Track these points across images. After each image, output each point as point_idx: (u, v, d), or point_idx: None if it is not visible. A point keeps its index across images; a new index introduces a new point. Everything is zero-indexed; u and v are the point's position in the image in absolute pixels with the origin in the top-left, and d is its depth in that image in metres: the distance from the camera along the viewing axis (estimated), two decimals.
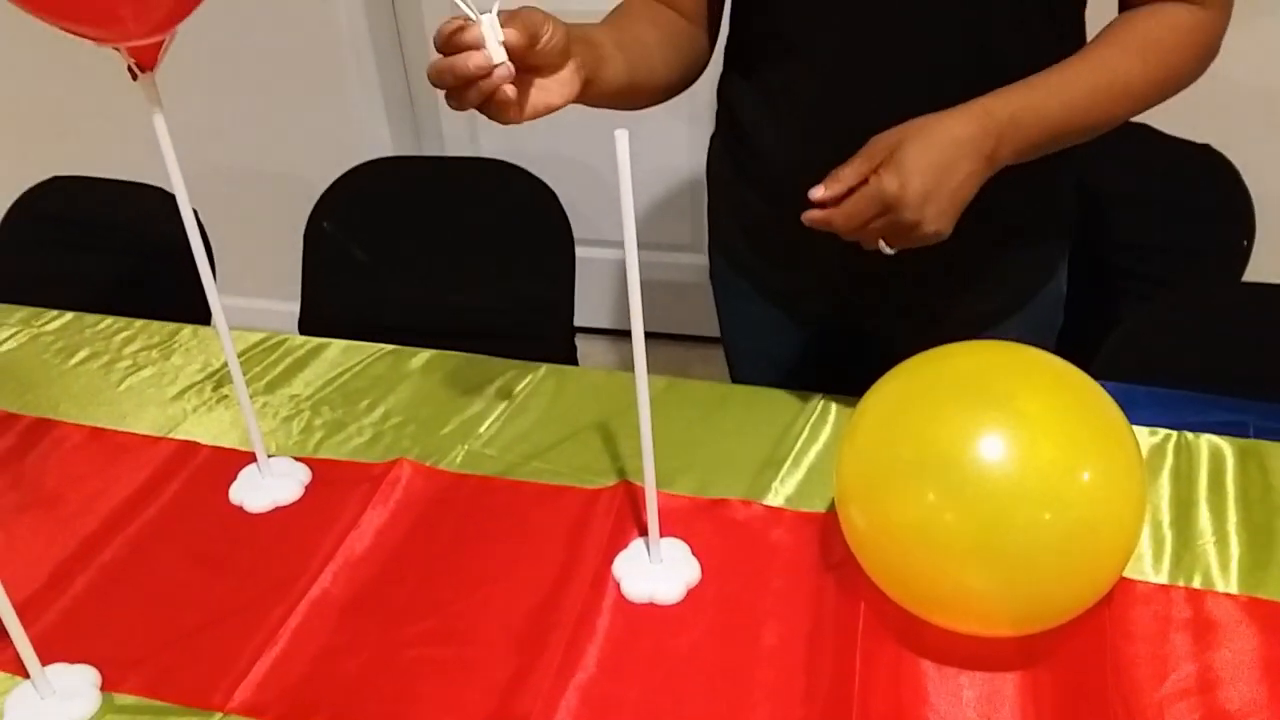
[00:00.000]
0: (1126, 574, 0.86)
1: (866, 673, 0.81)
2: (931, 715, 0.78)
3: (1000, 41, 0.93)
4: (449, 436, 1.09)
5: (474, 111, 0.83)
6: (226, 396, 1.17)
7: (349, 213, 1.64)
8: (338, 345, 1.25)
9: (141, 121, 0.88)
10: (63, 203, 1.70)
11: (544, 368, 1.18)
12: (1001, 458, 0.75)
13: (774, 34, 1.00)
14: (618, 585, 0.90)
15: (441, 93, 0.82)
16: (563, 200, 1.56)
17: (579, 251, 1.57)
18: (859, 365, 0.94)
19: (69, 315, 1.34)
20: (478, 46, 0.78)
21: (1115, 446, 0.78)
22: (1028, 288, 1.12)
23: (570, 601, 0.89)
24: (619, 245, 0.77)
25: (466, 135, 2.40)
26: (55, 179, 1.71)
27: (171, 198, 0.93)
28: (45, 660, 0.84)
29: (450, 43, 0.79)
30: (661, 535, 0.91)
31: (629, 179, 0.73)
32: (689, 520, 0.96)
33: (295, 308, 1.63)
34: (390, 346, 1.23)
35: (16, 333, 1.32)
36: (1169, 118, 1.12)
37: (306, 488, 1.04)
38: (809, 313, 1.18)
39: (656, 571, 0.91)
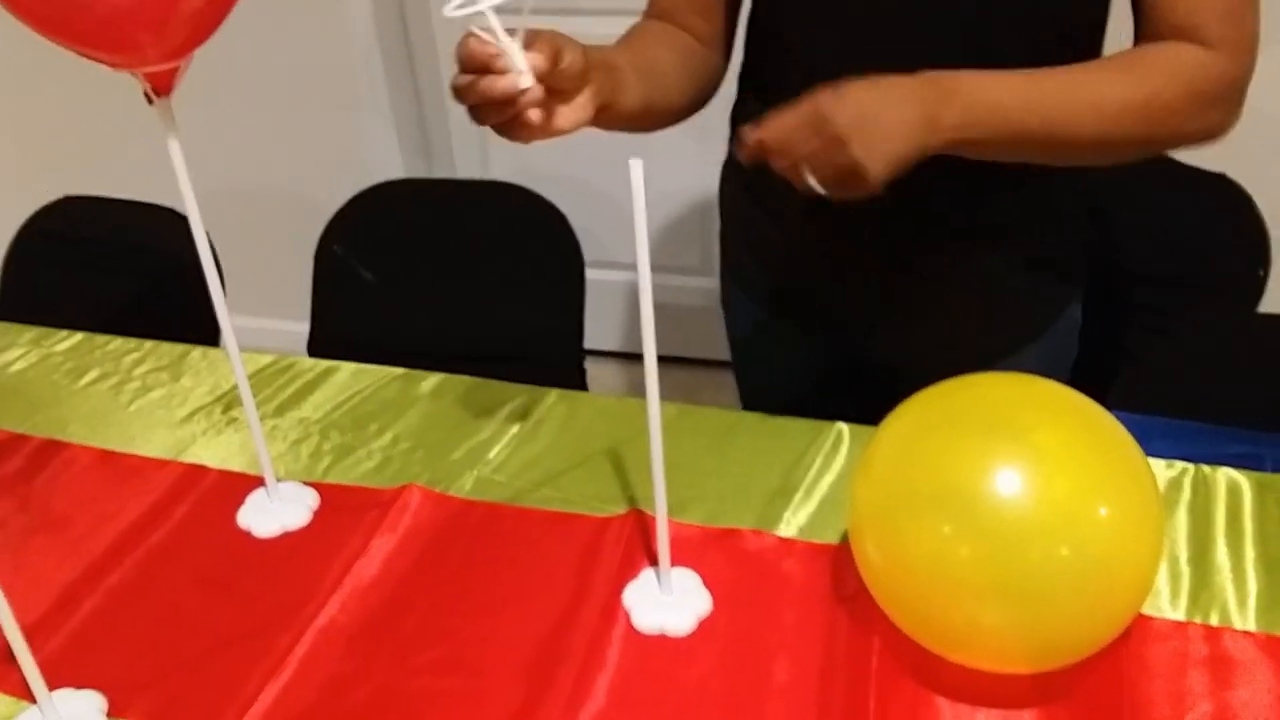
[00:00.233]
0: (1144, 610, 0.85)
1: (880, 710, 0.80)
2: None
3: (1000, 42, 0.93)
4: (458, 462, 1.08)
5: (485, 133, 0.82)
6: (236, 419, 1.17)
7: (359, 235, 1.64)
8: (347, 368, 1.24)
9: (153, 142, 0.88)
10: (74, 223, 1.70)
11: (554, 393, 1.17)
12: (1018, 492, 0.74)
13: (774, 34, 0.99)
14: (628, 616, 0.90)
15: (453, 113, 0.82)
16: (573, 222, 1.56)
17: (588, 274, 1.57)
18: (871, 394, 0.93)
19: (79, 335, 1.34)
20: (502, 66, 0.78)
21: (1132, 482, 0.77)
22: (1043, 318, 1.11)
23: (580, 632, 0.88)
24: (629, 267, 0.77)
25: (477, 157, 2.40)
26: (66, 199, 1.71)
27: (182, 218, 0.93)
28: (52, 684, 0.83)
29: (474, 60, 0.79)
30: (672, 565, 0.91)
31: (643, 208, 0.72)
32: (700, 550, 0.95)
33: (304, 328, 1.63)
34: (400, 370, 1.23)
35: (26, 353, 1.31)
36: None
37: (315, 513, 1.03)
38: (821, 339, 1.17)
39: (667, 602, 0.90)
